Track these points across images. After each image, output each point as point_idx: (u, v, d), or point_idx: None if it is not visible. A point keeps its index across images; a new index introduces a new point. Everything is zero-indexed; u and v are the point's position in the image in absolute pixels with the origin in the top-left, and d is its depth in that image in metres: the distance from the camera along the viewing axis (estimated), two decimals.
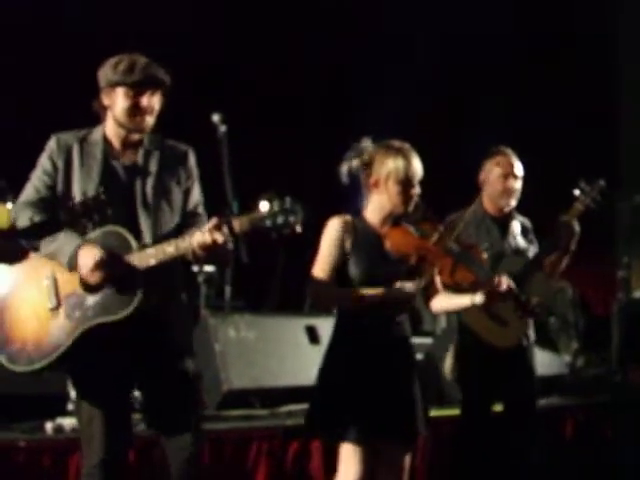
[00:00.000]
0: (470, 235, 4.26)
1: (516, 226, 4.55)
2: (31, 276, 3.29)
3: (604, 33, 8.59)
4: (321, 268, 3.42)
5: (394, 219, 3.48)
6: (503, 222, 4.51)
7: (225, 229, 3.04)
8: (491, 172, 4.48)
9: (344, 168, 3.48)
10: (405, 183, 3.41)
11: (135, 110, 3.28)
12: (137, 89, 3.26)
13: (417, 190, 3.44)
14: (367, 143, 3.50)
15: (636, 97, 8.68)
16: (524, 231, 4.59)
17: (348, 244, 3.42)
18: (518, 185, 4.48)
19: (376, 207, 3.48)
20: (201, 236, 3.07)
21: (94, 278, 3.17)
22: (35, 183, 3.32)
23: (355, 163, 3.47)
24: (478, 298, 3.76)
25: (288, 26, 7.47)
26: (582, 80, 8.13)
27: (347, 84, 7.73)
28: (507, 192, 4.44)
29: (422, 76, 7.48)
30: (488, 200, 4.50)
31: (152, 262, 3.14)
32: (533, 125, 7.84)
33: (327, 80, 7.68)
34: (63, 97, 5.82)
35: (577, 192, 4.34)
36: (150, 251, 3.15)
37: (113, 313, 3.16)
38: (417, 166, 3.43)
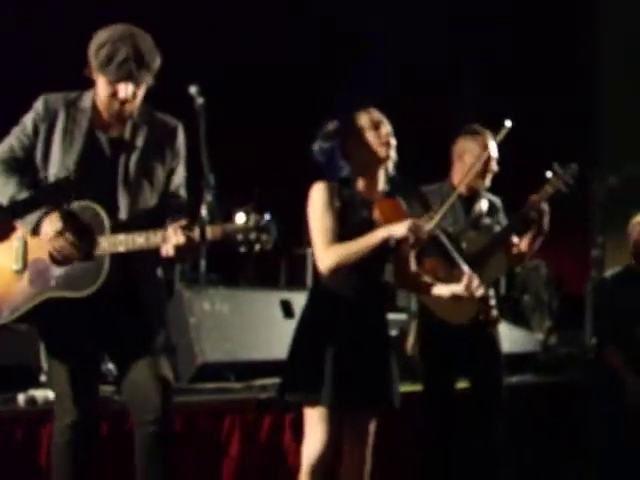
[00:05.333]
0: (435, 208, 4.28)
1: (483, 204, 4.55)
2: (2, 236, 3.25)
3: (585, 15, 8.62)
4: (324, 236, 3.38)
5: (388, 192, 3.50)
6: (470, 200, 4.51)
7: (197, 233, 3.02)
8: (467, 151, 4.47)
9: (316, 148, 3.49)
10: (375, 126, 3.46)
11: (113, 98, 3.20)
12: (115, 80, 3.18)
13: (389, 132, 3.47)
14: (334, 123, 3.52)
15: (614, 80, 8.71)
16: (492, 210, 4.58)
17: (337, 207, 3.40)
18: (494, 166, 4.48)
19: (360, 169, 3.49)
20: (173, 236, 3.05)
21: (53, 248, 3.14)
22: (12, 141, 3.25)
23: (325, 143, 3.48)
24: (443, 290, 3.56)
25: None
26: (562, 62, 8.15)
27: (330, 55, 7.68)
28: (483, 173, 4.44)
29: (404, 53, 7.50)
30: (458, 178, 4.49)
31: (120, 249, 3.11)
32: (511, 104, 7.83)
33: (309, 51, 7.62)
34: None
35: (549, 174, 4.33)
36: (120, 238, 3.12)
37: (76, 289, 3.14)
38: (380, 115, 3.51)
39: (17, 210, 3.17)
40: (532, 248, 4.44)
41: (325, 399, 3.35)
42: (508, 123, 4.27)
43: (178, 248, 3.05)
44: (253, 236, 2.97)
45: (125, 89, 3.17)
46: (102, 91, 3.21)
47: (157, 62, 3.23)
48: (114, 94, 3.19)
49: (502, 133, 4.32)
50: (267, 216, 3.00)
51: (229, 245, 3.02)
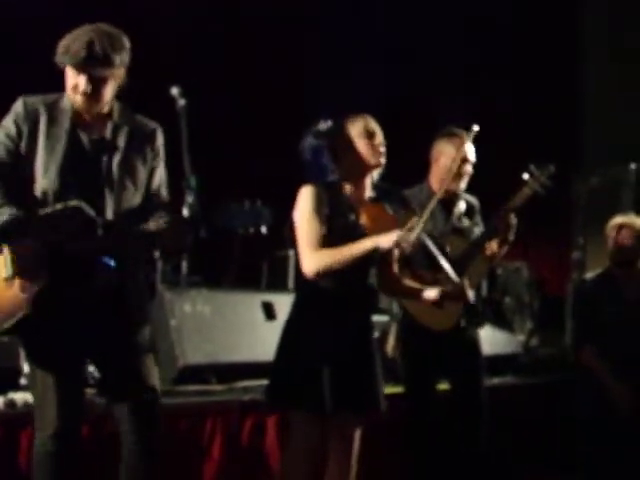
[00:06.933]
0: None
1: (461, 206, 4.55)
2: None
3: (568, 15, 8.64)
4: (310, 241, 3.38)
5: (374, 198, 3.50)
6: (448, 203, 4.50)
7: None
8: (443, 153, 4.46)
9: (305, 144, 3.49)
10: (369, 136, 3.47)
11: (74, 91, 3.19)
12: (76, 69, 3.16)
13: (382, 142, 3.49)
14: (327, 123, 3.53)
15: (598, 82, 8.75)
16: (470, 211, 4.58)
17: (324, 212, 3.41)
18: (469, 168, 4.47)
19: (349, 174, 3.49)
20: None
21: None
22: None
23: (315, 141, 3.48)
24: (432, 293, 3.59)
25: None
26: (546, 63, 8.17)
27: (312, 58, 7.67)
28: (459, 175, 4.42)
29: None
30: (436, 180, 4.48)
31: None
32: (494, 106, 7.86)
33: (292, 52, 7.61)
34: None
35: (526, 176, 4.32)
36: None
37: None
38: (375, 123, 3.52)
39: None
40: (499, 254, 4.44)
41: (310, 404, 3.34)
42: (476, 127, 4.23)
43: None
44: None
45: (81, 81, 3.15)
46: (67, 85, 3.20)
47: (118, 58, 3.19)
48: (75, 87, 3.18)
49: (469, 137, 4.29)
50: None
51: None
